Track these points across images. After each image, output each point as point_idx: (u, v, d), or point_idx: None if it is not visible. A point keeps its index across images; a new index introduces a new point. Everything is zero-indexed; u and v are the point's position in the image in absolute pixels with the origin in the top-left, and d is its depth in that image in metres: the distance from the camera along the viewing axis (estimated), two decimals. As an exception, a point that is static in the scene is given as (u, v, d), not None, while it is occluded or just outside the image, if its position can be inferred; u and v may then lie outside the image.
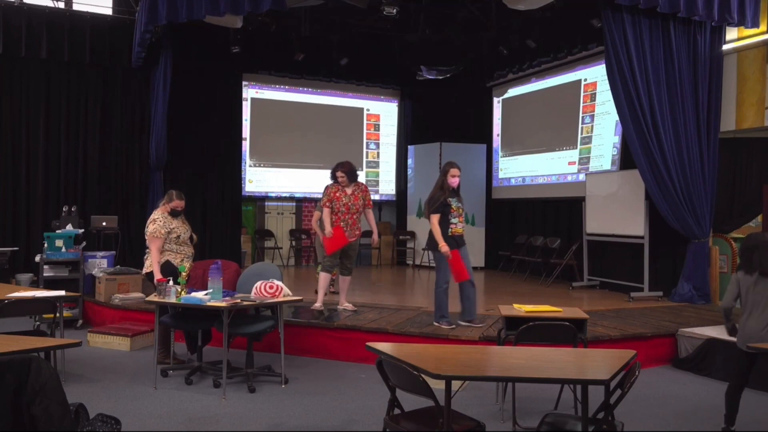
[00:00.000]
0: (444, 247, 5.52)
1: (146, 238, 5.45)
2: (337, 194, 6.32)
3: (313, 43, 10.17)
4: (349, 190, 6.35)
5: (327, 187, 6.47)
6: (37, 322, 5.69)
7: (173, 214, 5.52)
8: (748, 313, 3.86)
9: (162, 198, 5.81)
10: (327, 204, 6.37)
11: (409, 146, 12.11)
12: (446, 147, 11.18)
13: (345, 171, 6.33)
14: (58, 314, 4.77)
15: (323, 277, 6.44)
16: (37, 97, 8.95)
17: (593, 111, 9.39)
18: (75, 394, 4.14)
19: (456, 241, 5.65)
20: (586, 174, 9.15)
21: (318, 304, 6.39)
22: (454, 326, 5.66)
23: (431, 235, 5.67)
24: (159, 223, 5.42)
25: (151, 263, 5.40)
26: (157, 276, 5.17)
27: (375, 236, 6.74)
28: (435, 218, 5.62)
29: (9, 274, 7.70)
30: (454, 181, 5.70)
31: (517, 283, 9.10)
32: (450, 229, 5.63)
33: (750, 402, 4.64)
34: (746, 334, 3.84)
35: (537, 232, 10.12)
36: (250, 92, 11.27)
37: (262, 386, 4.82)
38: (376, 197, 12.15)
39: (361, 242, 6.64)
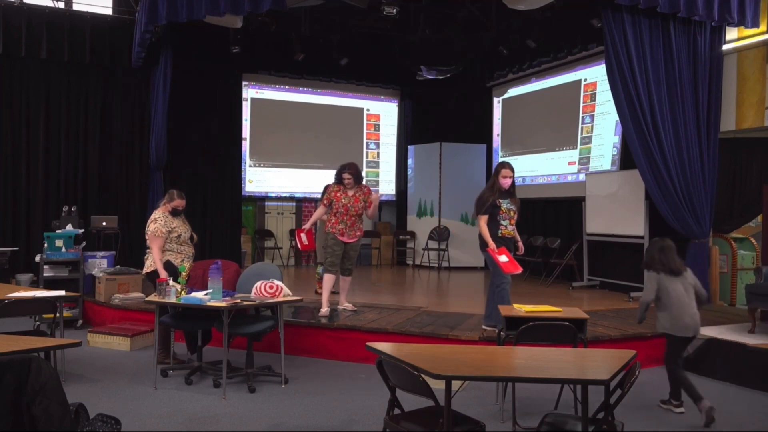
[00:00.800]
0: (492, 245, 5.37)
1: (147, 237, 5.44)
2: (338, 194, 6.25)
3: (313, 43, 10.16)
4: (350, 192, 6.26)
5: (327, 186, 6.41)
6: (37, 322, 5.68)
7: (174, 213, 5.52)
8: (679, 305, 4.33)
9: (162, 198, 5.81)
10: (325, 203, 6.33)
11: (409, 146, 12.12)
12: (446, 147, 11.18)
13: (352, 173, 6.25)
14: (58, 314, 4.77)
15: (327, 279, 6.30)
16: (37, 97, 8.95)
17: (593, 111, 9.38)
18: (75, 394, 4.14)
19: (506, 244, 5.50)
20: (586, 174, 9.15)
21: (324, 309, 6.21)
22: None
23: (481, 236, 5.52)
24: (160, 222, 5.42)
25: (152, 263, 5.40)
26: (162, 275, 5.17)
27: (371, 209, 6.30)
28: (483, 219, 5.47)
29: (9, 274, 7.69)
30: (506, 182, 5.53)
31: (517, 283, 9.04)
32: (499, 231, 5.49)
33: (750, 402, 4.65)
34: (685, 322, 4.32)
35: (537, 232, 10.11)
36: (250, 92, 11.27)
37: (262, 386, 4.81)
38: (376, 197, 12.14)
39: (361, 242, 6.61)
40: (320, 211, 6.44)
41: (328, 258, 6.29)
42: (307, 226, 6.62)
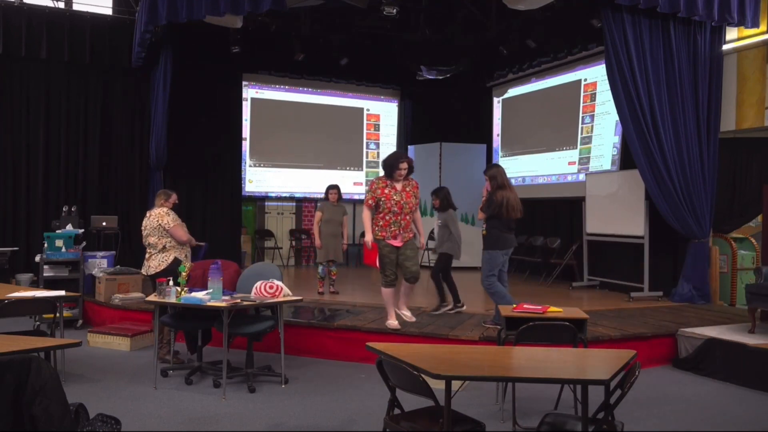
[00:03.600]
0: None
1: (168, 229, 5.41)
2: (387, 191, 5.38)
3: (313, 43, 10.16)
4: (399, 186, 5.43)
5: (371, 183, 5.60)
6: (37, 322, 5.68)
7: (173, 209, 5.60)
8: (459, 235, 6.52)
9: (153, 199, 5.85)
10: (370, 203, 5.44)
11: (409, 146, 12.10)
12: (446, 147, 11.18)
13: (410, 162, 5.43)
14: (58, 314, 4.77)
15: (387, 294, 5.59)
16: (37, 97, 8.95)
17: (593, 111, 9.38)
18: (75, 394, 4.14)
19: None
20: (586, 174, 9.15)
21: (394, 322, 5.60)
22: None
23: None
24: (173, 214, 5.52)
25: (160, 263, 5.40)
26: (194, 243, 5.65)
27: (422, 239, 5.72)
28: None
29: (9, 274, 7.70)
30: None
31: (517, 283, 9.08)
32: None
33: (750, 402, 4.65)
34: (459, 245, 6.45)
35: (537, 232, 10.11)
36: (250, 92, 11.27)
37: (262, 386, 4.82)
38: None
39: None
40: (368, 215, 5.48)
41: (387, 271, 5.45)
42: (368, 238, 5.47)
